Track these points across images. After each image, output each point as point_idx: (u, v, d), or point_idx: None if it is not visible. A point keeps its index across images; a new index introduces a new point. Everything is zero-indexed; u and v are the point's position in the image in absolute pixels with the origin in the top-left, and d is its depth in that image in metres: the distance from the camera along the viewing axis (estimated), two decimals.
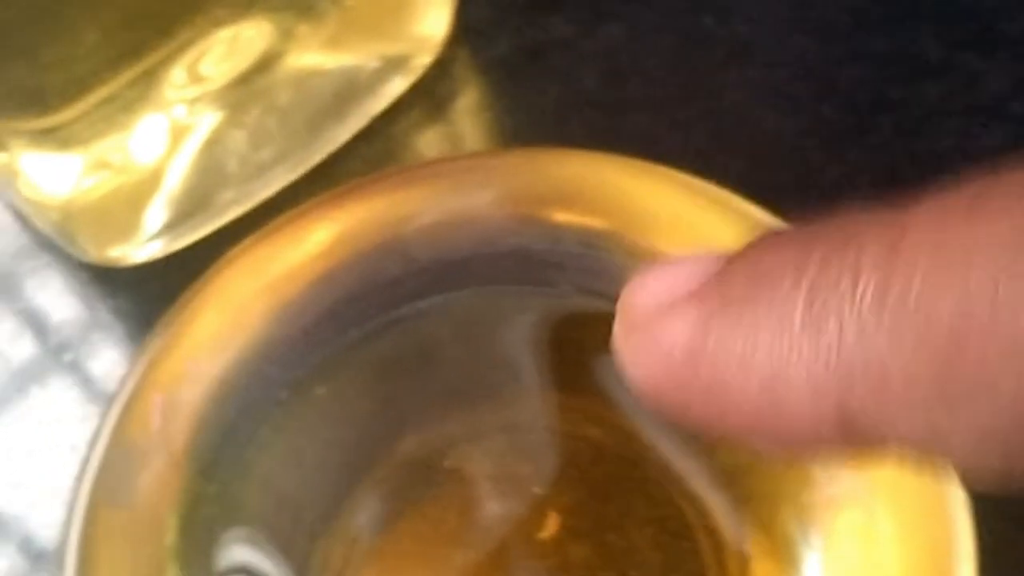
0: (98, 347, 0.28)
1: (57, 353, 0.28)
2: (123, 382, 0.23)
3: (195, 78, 0.27)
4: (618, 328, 0.15)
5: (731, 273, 0.14)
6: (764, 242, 0.14)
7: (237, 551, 0.22)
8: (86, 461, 0.22)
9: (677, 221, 0.24)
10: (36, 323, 0.28)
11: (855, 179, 0.28)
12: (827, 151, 0.29)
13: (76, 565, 0.21)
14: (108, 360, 0.28)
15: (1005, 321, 0.11)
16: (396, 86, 0.29)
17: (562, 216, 0.24)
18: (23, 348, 0.28)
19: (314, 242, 0.24)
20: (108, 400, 0.23)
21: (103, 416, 0.22)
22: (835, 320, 0.12)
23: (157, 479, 0.22)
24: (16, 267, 0.29)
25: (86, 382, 0.28)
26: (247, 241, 0.24)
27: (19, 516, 0.26)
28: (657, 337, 0.14)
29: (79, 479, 0.22)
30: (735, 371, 0.13)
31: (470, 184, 0.24)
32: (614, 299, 0.23)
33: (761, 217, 0.23)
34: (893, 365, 0.12)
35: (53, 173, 0.26)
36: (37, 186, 0.26)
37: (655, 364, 0.14)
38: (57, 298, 0.29)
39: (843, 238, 0.13)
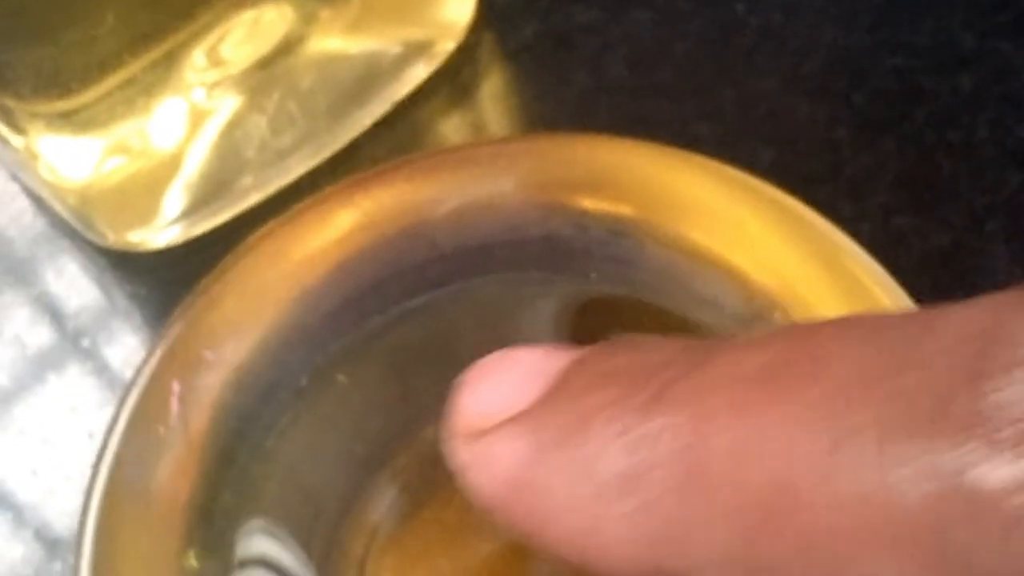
0: (116, 333, 0.28)
1: (74, 339, 0.28)
2: (141, 369, 0.22)
3: (215, 61, 0.26)
4: (453, 432, 0.16)
5: (559, 402, 0.14)
6: (592, 368, 0.14)
7: (256, 541, 0.22)
8: (103, 448, 0.22)
9: (705, 208, 0.23)
10: (53, 309, 0.28)
11: (886, 169, 0.28)
12: (858, 140, 0.28)
13: (93, 553, 0.21)
14: (126, 346, 0.27)
15: (806, 505, 0.11)
16: (419, 71, 0.29)
17: (589, 203, 0.23)
18: (40, 334, 0.28)
19: (336, 228, 0.24)
20: (125, 387, 0.22)
21: (120, 403, 0.22)
22: (648, 480, 0.12)
23: (175, 467, 0.22)
24: (33, 252, 0.29)
25: (103, 369, 0.27)
26: (268, 226, 0.24)
27: (36, 504, 0.26)
28: (488, 457, 0.14)
29: (96, 466, 0.21)
30: (558, 509, 0.13)
31: (495, 170, 0.24)
32: (642, 288, 0.23)
33: (791, 205, 0.23)
34: (698, 536, 0.12)
35: (72, 157, 0.25)
36: (56, 170, 0.25)
37: (486, 482, 0.15)
38: (74, 284, 0.28)
39: (660, 388, 0.13)
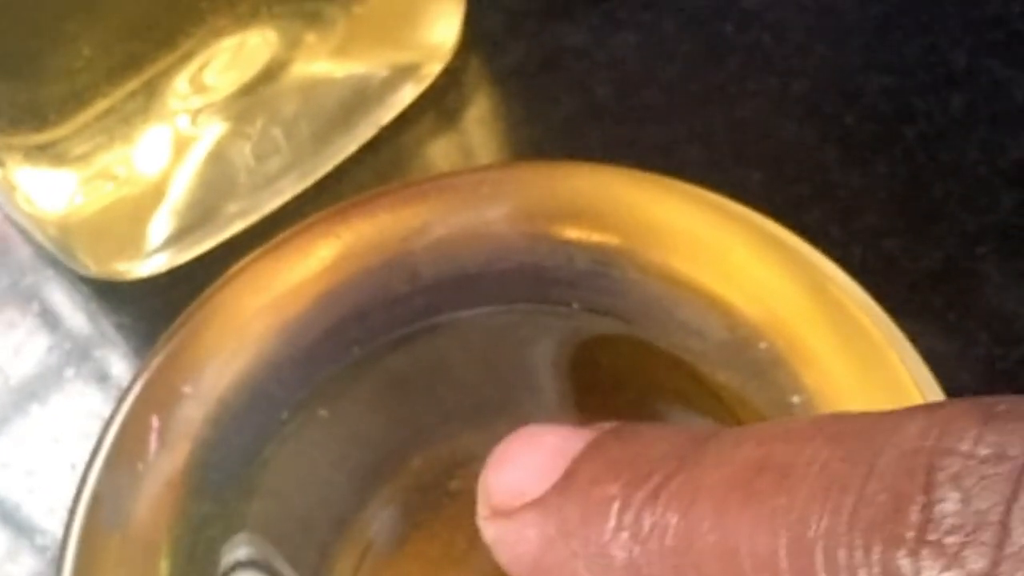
0: (100, 363, 0.27)
1: (58, 369, 0.27)
2: (119, 404, 0.22)
3: (199, 88, 0.26)
4: (481, 508, 0.18)
5: (573, 490, 0.16)
6: (602, 458, 0.16)
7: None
8: (81, 485, 0.21)
9: (690, 237, 0.23)
10: (37, 338, 0.28)
11: (877, 190, 0.27)
12: (848, 161, 0.28)
13: None
14: (110, 377, 0.27)
15: None
16: (405, 95, 0.29)
17: (574, 232, 0.23)
18: (23, 364, 0.27)
19: (319, 258, 0.23)
20: (104, 422, 0.22)
21: (99, 439, 0.22)
22: (647, 572, 0.14)
23: (153, 502, 0.22)
24: (17, 281, 0.28)
25: (87, 399, 0.27)
26: (249, 257, 0.23)
27: (18, 536, 0.26)
28: (513, 537, 0.17)
29: (74, 504, 0.21)
30: None
31: (478, 199, 0.23)
32: (627, 318, 0.23)
33: (776, 232, 0.22)
34: None
35: (49, 188, 0.25)
36: (33, 201, 0.25)
37: (512, 560, 0.17)
38: (58, 313, 0.28)
39: (658, 486, 0.15)
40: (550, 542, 0.16)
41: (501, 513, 0.17)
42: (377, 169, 0.28)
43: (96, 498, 0.21)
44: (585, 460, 0.16)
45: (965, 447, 0.12)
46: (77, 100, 0.24)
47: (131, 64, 0.24)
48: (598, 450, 0.16)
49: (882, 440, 0.13)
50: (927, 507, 0.12)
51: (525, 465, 0.17)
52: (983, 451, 0.12)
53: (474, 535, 0.23)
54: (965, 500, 0.12)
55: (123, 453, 0.22)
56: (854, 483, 0.12)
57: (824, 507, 0.12)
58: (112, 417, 0.22)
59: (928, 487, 0.12)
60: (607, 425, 0.17)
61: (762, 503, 0.13)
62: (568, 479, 0.16)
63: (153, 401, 0.22)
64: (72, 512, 0.21)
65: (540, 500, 0.16)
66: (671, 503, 0.14)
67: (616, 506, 0.15)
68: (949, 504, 0.12)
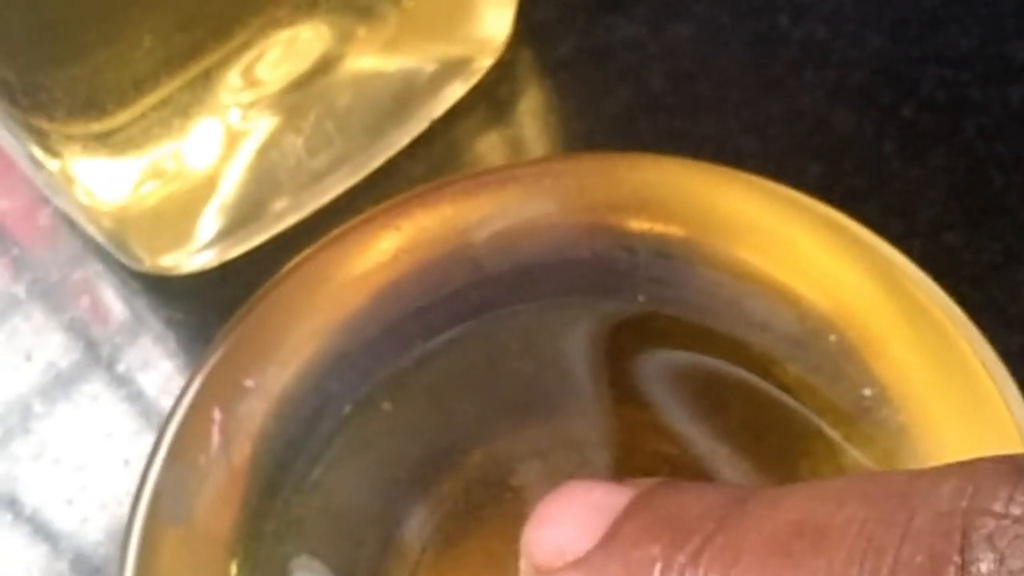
0: (150, 358, 0.27)
1: (109, 365, 0.27)
2: (181, 397, 0.22)
3: (251, 82, 0.26)
4: (524, 565, 0.18)
5: (615, 551, 0.16)
6: (643, 517, 0.16)
7: (305, 571, 0.22)
8: (143, 478, 0.21)
9: (754, 227, 0.23)
10: (87, 333, 0.28)
11: (935, 183, 0.27)
12: (906, 154, 0.27)
13: None
14: (161, 372, 0.27)
15: None
16: (457, 89, 0.28)
17: (635, 223, 0.23)
18: (74, 359, 0.27)
19: (378, 252, 0.23)
20: (162, 414, 0.22)
21: (160, 432, 0.22)
22: None
23: (217, 497, 0.21)
24: (67, 275, 0.28)
25: (139, 395, 0.27)
26: (309, 250, 0.23)
27: (71, 533, 0.26)
28: None
29: (136, 496, 0.21)
30: None
31: (539, 191, 0.23)
32: (688, 308, 0.23)
33: (842, 222, 0.22)
34: None
35: (108, 179, 0.25)
36: (92, 192, 0.25)
37: None
38: (108, 308, 0.28)
39: (697, 549, 0.15)
40: None
41: (543, 572, 0.17)
42: (429, 163, 0.28)
43: (158, 492, 0.21)
44: (627, 520, 0.17)
45: (998, 507, 0.12)
46: (135, 89, 0.23)
47: (187, 54, 0.24)
48: (640, 509, 0.17)
49: (917, 501, 0.13)
50: (963, 568, 0.12)
51: (568, 523, 0.17)
52: (1016, 511, 0.12)
53: None
54: (999, 560, 0.12)
55: (185, 447, 0.22)
56: (891, 544, 0.13)
57: (862, 569, 0.13)
58: (173, 411, 0.22)
59: (964, 548, 0.12)
60: (650, 482, 0.17)
61: (801, 566, 0.13)
62: (610, 539, 0.16)
63: (215, 395, 0.22)
64: (134, 506, 0.21)
65: (583, 560, 0.17)
66: (712, 565, 0.15)
67: (658, 568, 0.15)
68: (984, 564, 0.12)
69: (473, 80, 0.28)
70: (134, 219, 0.26)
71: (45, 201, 0.29)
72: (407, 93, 0.28)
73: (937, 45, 0.28)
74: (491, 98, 0.29)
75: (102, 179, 0.25)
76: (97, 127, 0.24)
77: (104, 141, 0.24)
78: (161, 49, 0.23)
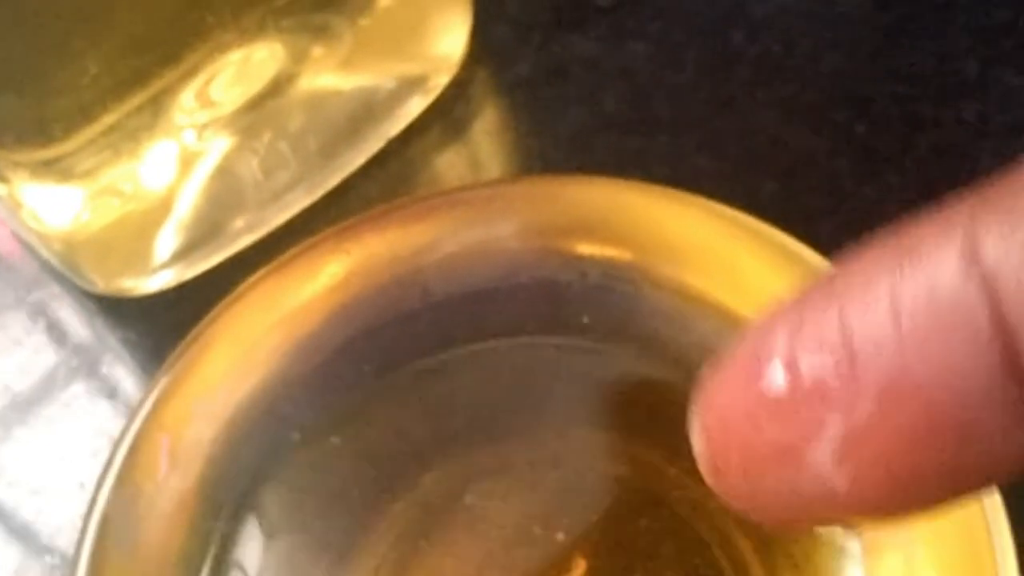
0: (107, 379, 0.27)
1: (65, 385, 0.27)
2: (129, 423, 0.22)
3: (205, 103, 0.26)
4: None
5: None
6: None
7: None
8: (91, 506, 0.21)
9: (702, 250, 0.23)
10: (43, 354, 0.28)
11: (890, 200, 0.27)
12: (861, 171, 0.27)
13: None
14: (118, 393, 0.27)
15: None
16: (413, 107, 0.28)
17: (586, 248, 0.23)
18: (30, 380, 0.27)
19: (328, 275, 0.23)
20: (114, 442, 0.22)
21: (108, 459, 0.22)
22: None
23: (164, 523, 0.22)
24: (22, 298, 0.28)
25: (95, 416, 0.27)
26: (258, 274, 0.23)
27: (26, 556, 0.26)
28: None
29: (84, 523, 0.21)
30: None
31: (490, 214, 0.23)
32: (636, 333, 0.23)
33: (789, 244, 0.22)
34: None
35: (55, 205, 0.25)
36: (40, 217, 0.25)
37: None
38: (65, 329, 0.28)
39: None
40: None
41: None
42: (385, 182, 0.28)
43: (107, 518, 0.21)
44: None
45: None
46: (83, 115, 0.23)
47: (136, 79, 0.24)
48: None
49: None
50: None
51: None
52: None
53: (490, 547, 0.23)
54: None
55: (133, 473, 0.22)
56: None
57: None
58: (122, 437, 0.22)
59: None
60: None
61: None
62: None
63: (163, 420, 0.22)
64: (83, 532, 0.21)
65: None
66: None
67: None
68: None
69: (429, 98, 0.29)
70: (84, 243, 0.26)
71: (2, 223, 0.29)
72: (363, 112, 0.28)
73: (890, 63, 0.29)
74: (447, 117, 0.29)
75: (50, 204, 0.25)
76: (45, 154, 0.24)
77: (52, 167, 0.24)
78: (107, 76, 0.23)
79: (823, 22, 0.29)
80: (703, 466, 0.15)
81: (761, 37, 0.29)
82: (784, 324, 0.13)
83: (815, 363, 0.12)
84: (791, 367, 0.13)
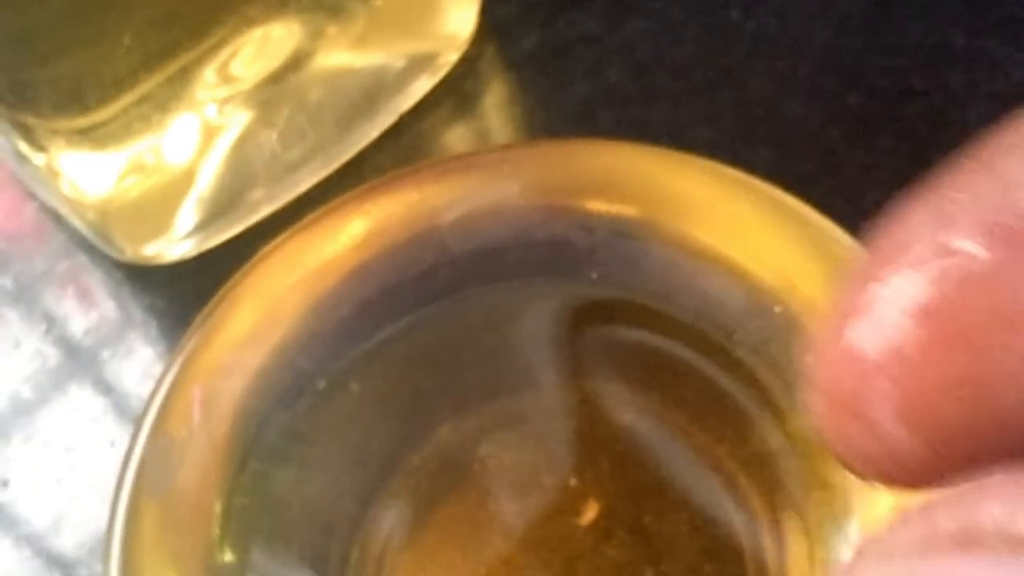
0: (134, 344, 0.28)
1: (94, 351, 0.28)
2: (163, 375, 0.23)
3: (226, 78, 0.27)
4: None
5: None
6: None
7: (283, 544, 0.23)
8: (128, 453, 0.22)
9: (706, 208, 0.24)
10: (72, 322, 0.29)
11: (880, 166, 0.28)
12: (852, 139, 0.29)
13: (120, 555, 0.21)
14: (143, 357, 0.28)
15: None
16: (424, 83, 0.30)
17: (593, 205, 0.24)
18: (60, 347, 0.28)
19: (348, 235, 0.24)
20: (147, 395, 0.23)
21: (144, 409, 0.23)
22: None
23: (200, 469, 0.22)
24: (52, 267, 0.29)
25: (122, 379, 0.28)
26: (282, 236, 0.24)
27: (61, 512, 0.27)
28: None
29: (122, 470, 0.22)
30: None
31: (502, 176, 0.24)
32: (644, 288, 0.24)
33: (788, 202, 0.23)
34: None
35: (91, 172, 0.26)
36: (77, 185, 0.26)
37: None
38: (92, 297, 0.29)
39: None
40: None
41: None
42: (398, 155, 0.29)
43: (142, 465, 0.22)
44: None
45: None
46: (116, 86, 0.25)
47: (165, 52, 0.25)
48: None
49: None
50: None
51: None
52: None
53: (505, 496, 0.24)
54: None
55: (167, 423, 0.23)
56: None
57: None
58: (156, 389, 0.23)
59: None
60: None
61: None
62: None
63: (195, 373, 0.23)
64: (120, 479, 0.22)
65: None
66: None
67: None
68: None
69: (439, 75, 0.30)
70: (116, 210, 0.27)
71: (31, 196, 0.30)
72: (376, 88, 0.29)
73: (880, 36, 0.30)
74: (457, 92, 0.30)
75: (86, 172, 0.26)
76: (81, 122, 0.25)
77: (87, 135, 0.25)
78: (140, 48, 0.25)
79: None
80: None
81: (756, 13, 0.30)
82: None
83: None
84: None
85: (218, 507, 0.22)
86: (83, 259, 0.29)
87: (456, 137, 0.30)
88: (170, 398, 0.23)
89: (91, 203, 0.26)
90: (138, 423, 0.23)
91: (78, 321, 0.29)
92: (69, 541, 0.26)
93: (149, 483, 0.22)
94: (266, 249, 0.24)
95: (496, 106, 0.30)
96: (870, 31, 0.30)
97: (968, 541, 0.10)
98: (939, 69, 0.29)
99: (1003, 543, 0.10)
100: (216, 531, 0.22)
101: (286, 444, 0.23)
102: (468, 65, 0.30)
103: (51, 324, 0.29)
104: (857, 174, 0.28)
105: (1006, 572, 0.10)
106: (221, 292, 0.24)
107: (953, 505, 0.10)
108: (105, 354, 0.28)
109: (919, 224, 0.12)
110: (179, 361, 0.23)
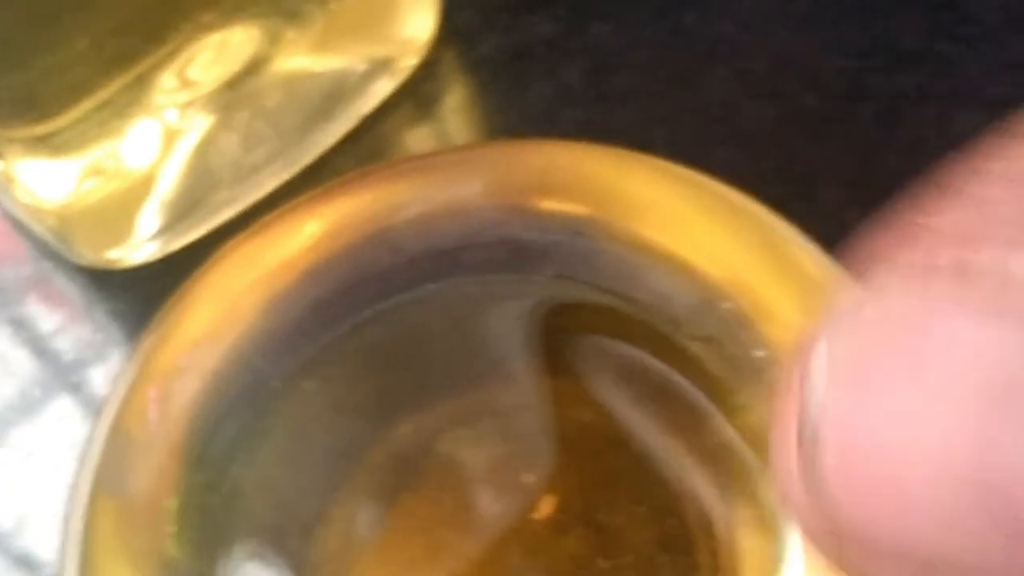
0: (97, 348, 0.28)
1: (56, 356, 0.28)
2: (120, 377, 0.23)
3: (185, 83, 0.27)
4: None
5: None
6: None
7: (238, 544, 0.23)
8: (86, 453, 0.22)
9: (657, 206, 0.24)
10: (34, 327, 0.29)
11: (835, 166, 0.29)
12: (808, 139, 0.29)
13: (77, 554, 0.22)
14: (107, 361, 0.28)
15: None
16: (383, 87, 0.30)
17: (547, 204, 0.24)
18: (24, 352, 0.29)
19: (304, 236, 0.24)
20: (107, 394, 0.23)
21: (101, 410, 0.23)
22: None
23: (156, 469, 0.23)
24: (17, 273, 0.29)
25: (86, 383, 0.28)
26: (238, 237, 0.24)
27: (21, 516, 0.27)
28: None
29: (79, 470, 0.22)
30: None
31: (456, 175, 0.25)
32: (598, 286, 0.24)
33: (738, 199, 0.24)
34: None
35: (49, 179, 0.26)
36: (33, 192, 0.26)
37: None
38: (56, 302, 0.29)
39: None
40: None
41: None
42: (359, 157, 0.30)
43: (101, 464, 0.22)
44: None
45: None
46: (73, 93, 0.25)
47: (123, 58, 0.25)
48: None
49: None
50: None
51: None
52: None
53: (462, 492, 0.24)
54: None
55: (125, 422, 0.23)
56: None
57: None
58: (114, 389, 0.23)
59: None
60: None
61: None
62: None
63: (152, 373, 0.23)
64: (77, 479, 0.22)
65: None
66: None
67: None
68: None
69: (399, 78, 0.30)
70: (76, 216, 0.27)
71: None
72: (336, 91, 0.29)
73: (836, 38, 0.30)
74: (417, 96, 0.30)
75: (44, 179, 0.26)
76: (38, 130, 0.25)
77: (45, 143, 0.25)
78: (96, 55, 0.25)
79: (772, 2, 0.31)
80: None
81: (714, 16, 0.31)
82: None
83: None
84: None
85: (174, 506, 0.22)
86: (46, 264, 0.29)
87: (417, 140, 0.30)
88: (127, 398, 0.23)
89: (50, 209, 0.27)
90: (96, 423, 0.23)
91: (42, 325, 0.29)
92: (29, 547, 0.27)
93: (106, 482, 0.22)
94: (222, 250, 0.24)
95: (456, 109, 0.30)
96: (825, 32, 0.30)
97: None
98: (893, 70, 0.30)
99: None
100: (172, 530, 0.22)
101: (243, 443, 0.23)
102: (428, 69, 0.30)
103: (16, 328, 0.29)
104: (812, 174, 0.29)
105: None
106: (178, 293, 0.24)
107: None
108: (69, 358, 0.28)
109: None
110: (136, 361, 0.23)
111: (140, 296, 0.29)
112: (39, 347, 0.29)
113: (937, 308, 0.10)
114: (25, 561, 0.26)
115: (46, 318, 0.29)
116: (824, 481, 0.11)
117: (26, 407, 0.28)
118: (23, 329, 0.29)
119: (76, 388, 0.28)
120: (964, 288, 0.10)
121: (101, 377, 0.28)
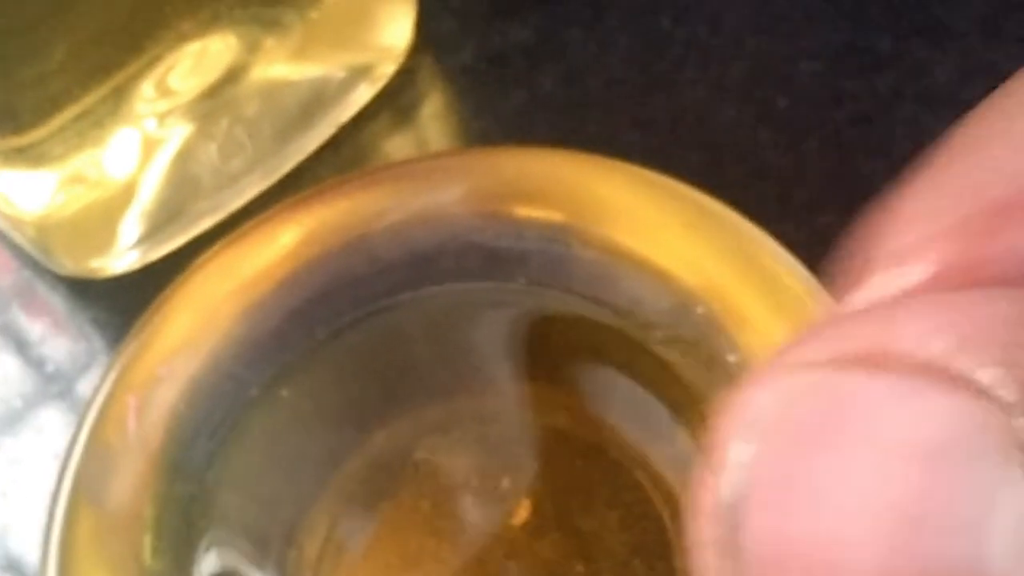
0: (78, 357, 0.29)
1: (39, 365, 0.29)
2: (99, 386, 0.23)
3: (164, 92, 0.27)
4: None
5: None
6: None
7: (217, 553, 0.23)
8: (65, 462, 0.23)
9: (630, 213, 0.24)
10: (16, 336, 0.29)
11: (809, 169, 0.29)
12: (783, 143, 0.29)
13: (56, 561, 0.22)
14: (88, 370, 0.29)
15: None
16: (362, 95, 0.30)
17: (523, 211, 0.25)
18: (5, 361, 0.29)
19: (282, 244, 0.25)
20: (86, 404, 0.23)
21: (80, 419, 0.23)
22: None
23: (135, 478, 0.23)
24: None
25: (67, 392, 0.28)
26: (217, 246, 0.25)
27: (5, 524, 0.27)
28: None
29: (59, 479, 0.22)
30: None
31: (433, 183, 0.25)
32: (573, 291, 0.24)
33: (711, 205, 0.24)
34: None
35: (28, 190, 0.26)
36: (12, 203, 0.26)
37: None
38: (38, 311, 0.29)
39: None
40: None
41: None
42: (337, 165, 0.30)
43: (80, 473, 0.23)
44: None
45: None
46: (52, 104, 0.25)
47: (102, 68, 0.25)
48: None
49: None
50: None
51: None
52: None
53: (439, 499, 0.24)
54: None
55: (104, 431, 0.23)
56: None
57: None
58: (93, 399, 0.23)
59: None
60: None
61: None
62: None
63: (130, 382, 0.23)
64: (57, 488, 0.22)
65: None
66: None
67: None
68: None
69: (377, 86, 0.30)
70: (56, 227, 0.27)
71: None
72: (314, 100, 0.30)
73: (809, 41, 0.30)
74: (395, 104, 0.30)
75: (23, 189, 0.26)
76: (16, 141, 0.25)
77: (24, 153, 0.26)
78: (75, 65, 0.25)
79: (746, 6, 0.31)
80: None
81: (688, 20, 0.31)
82: None
83: None
84: None
85: (152, 514, 0.23)
86: (27, 274, 0.29)
87: (395, 147, 0.30)
88: (106, 406, 0.23)
89: (30, 220, 0.27)
90: (75, 432, 0.23)
91: (24, 335, 0.29)
92: (11, 554, 0.27)
93: (86, 490, 0.23)
94: (200, 259, 0.25)
95: (434, 116, 0.31)
96: (799, 37, 0.31)
97: (877, 361, 0.10)
98: (866, 73, 0.30)
99: (909, 367, 0.10)
100: (150, 538, 0.23)
101: (222, 451, 0.24)
102: (406, 77, 0.30)
103: None
104: (787, 177, 0.29)
105: (907, 396, 0.10)
106: (156, 302, 0.24)
107: (867, 322, 0.10)
108: (51, 367, 0.29)
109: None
110: (115, 370, 0.24)
111: (122, 305, 0.29)
112: (21, 356, 0.29)
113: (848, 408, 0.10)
114: (9, 569, 0.27)
115: (28, 327, 0.29)
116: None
117: (9, 416, 0.28)
118: (5, 338, 0.29)
119: (59, 396, 0.28)
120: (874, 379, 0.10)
121: (84, 385, 0.28)
